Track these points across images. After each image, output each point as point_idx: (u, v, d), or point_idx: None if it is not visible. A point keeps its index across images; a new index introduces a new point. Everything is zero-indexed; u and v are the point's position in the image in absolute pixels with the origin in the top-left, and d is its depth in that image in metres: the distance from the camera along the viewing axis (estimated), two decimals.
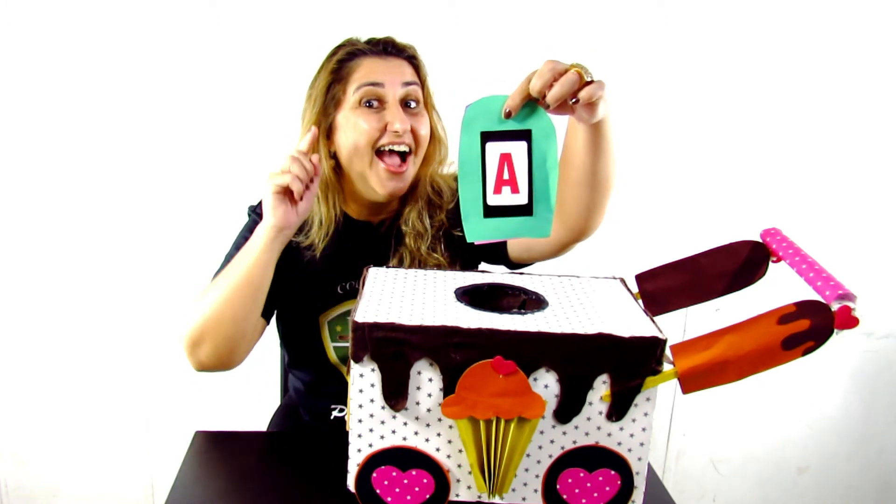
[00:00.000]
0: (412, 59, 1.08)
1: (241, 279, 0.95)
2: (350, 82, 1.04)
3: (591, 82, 0.76)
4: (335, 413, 1.17)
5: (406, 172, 1.05)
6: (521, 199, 0.79)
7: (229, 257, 1.07)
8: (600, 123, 0.85)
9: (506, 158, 0.78)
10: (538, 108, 0.78)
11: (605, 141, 0.88)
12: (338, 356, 1.14)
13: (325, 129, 1.06)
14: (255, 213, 1.12)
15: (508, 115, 0.77)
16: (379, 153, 1.03)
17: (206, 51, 1.56)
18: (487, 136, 0.77)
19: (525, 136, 0.78)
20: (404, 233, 1.10)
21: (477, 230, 0.80)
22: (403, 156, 1.04)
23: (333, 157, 1.07)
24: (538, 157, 0.78)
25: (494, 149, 0.78)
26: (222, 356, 0.98)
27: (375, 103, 1.03)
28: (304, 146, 0.95)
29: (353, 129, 1.03)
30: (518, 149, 0.78)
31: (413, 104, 1.05)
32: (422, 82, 1.08)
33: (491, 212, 0.79)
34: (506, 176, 0.79)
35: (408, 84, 1.05)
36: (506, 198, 0.79)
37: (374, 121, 1.02)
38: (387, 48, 1.07)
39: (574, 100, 0.75)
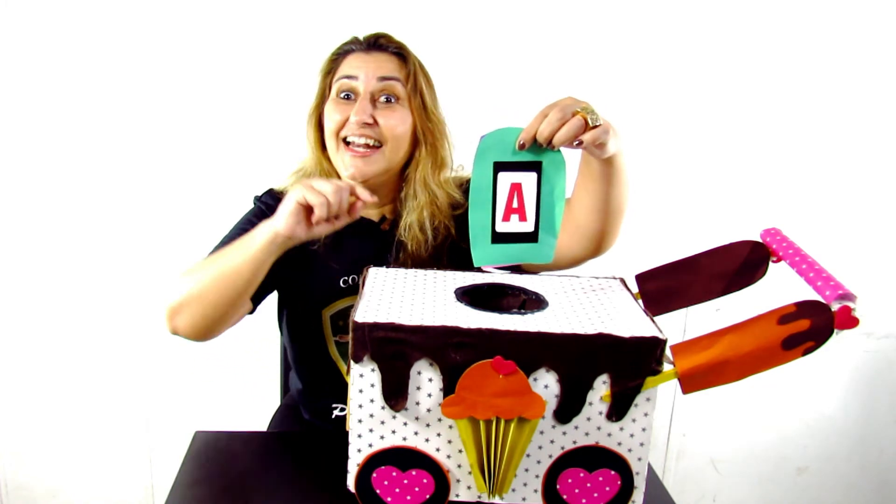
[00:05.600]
0: (400, 55, 1.08)
1: (231, 270, 0.92)
2: (335, 76, 1.08)
3: (597, 126, 0.79)
4: (336, 412, 1.17)
5: (370, 158, 1.03)
6: (528, 226, 0.83)
7: (227, 239, 1.06)
8: (612, 157, 0.87)
9: (516, 188, 0.82)
10: None
11: (617, 172, 0.91)
12: (338, 352, 1.14)
13: (316, 119, 1.09)
14: (261, 203, 1.12)
15: (522, 147, 0.80)
16: (347, 143, 1.05)
17: (205, 50, 1.56)
18: (500, 167, 0.81)
19: (536, 167, 0.82)
20: (405, 239, 1.09)
21: (484, 255, 0.84)
22: (372, 147, 1.04)
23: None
24: (546, 188, 0.82)
25: (506, 178, 0.81)
26: (198, 330, 0.97)
27: (351, 95, 1.05)
28: (360, 191, 0.89)
29: (328, 118, 1.06)
30: (528, 179, 0.82)
31: (389, 99, 1.05)
32: (408, 79, 1.06)
33: (498, 238, 0.83)
34: (515, 204, 0.82)
35: (385, 79, 1.05)
36: (513, 225, 0.83)
37: (342, 112, 1.04)
38: (372, 43, 1.08)
39: (577, 142, 0.79)
